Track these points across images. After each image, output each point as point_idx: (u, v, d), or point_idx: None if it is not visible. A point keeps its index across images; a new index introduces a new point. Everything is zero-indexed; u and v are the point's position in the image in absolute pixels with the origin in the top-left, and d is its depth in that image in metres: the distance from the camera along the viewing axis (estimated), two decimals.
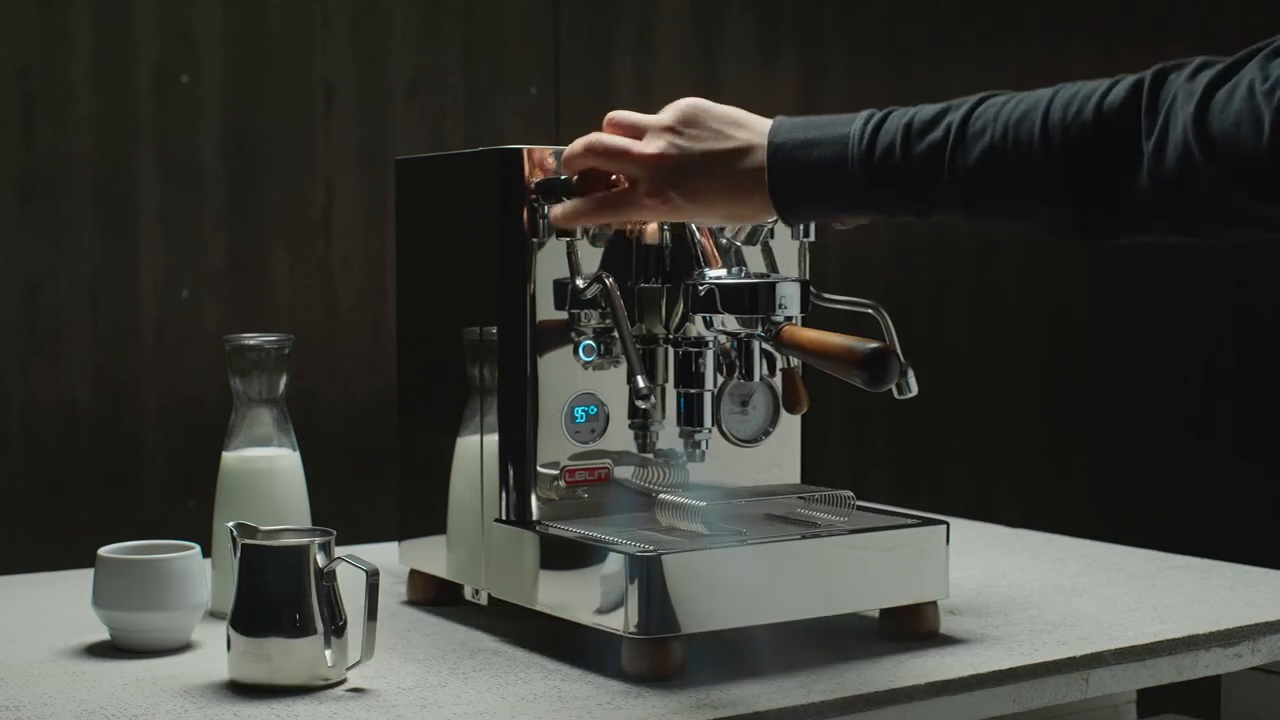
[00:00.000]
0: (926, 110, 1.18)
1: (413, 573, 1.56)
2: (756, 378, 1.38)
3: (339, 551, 1.29)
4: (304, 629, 1.25)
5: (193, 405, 1.92)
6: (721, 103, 1.27)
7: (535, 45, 2.14)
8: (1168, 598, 1.56)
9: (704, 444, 1.39)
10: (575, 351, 1.41)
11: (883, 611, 1.41)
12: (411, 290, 1.57)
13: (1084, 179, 1.11)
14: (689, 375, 1.37)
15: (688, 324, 1.40)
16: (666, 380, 1.40)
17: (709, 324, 1.36)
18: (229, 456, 1.52)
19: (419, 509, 1.55)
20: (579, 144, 1.31)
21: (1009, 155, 1.13)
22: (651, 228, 1.41)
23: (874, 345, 1.25)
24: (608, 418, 1.44)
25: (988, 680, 1.30)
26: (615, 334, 1.39)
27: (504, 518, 1.42)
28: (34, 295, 1.85)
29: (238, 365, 1.51)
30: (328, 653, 1.26)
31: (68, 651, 1.39)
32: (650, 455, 1.43)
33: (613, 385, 1.44)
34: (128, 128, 1.89)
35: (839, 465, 2.40)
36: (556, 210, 1.35)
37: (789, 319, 1.34)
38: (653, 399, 1.39)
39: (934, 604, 1.42)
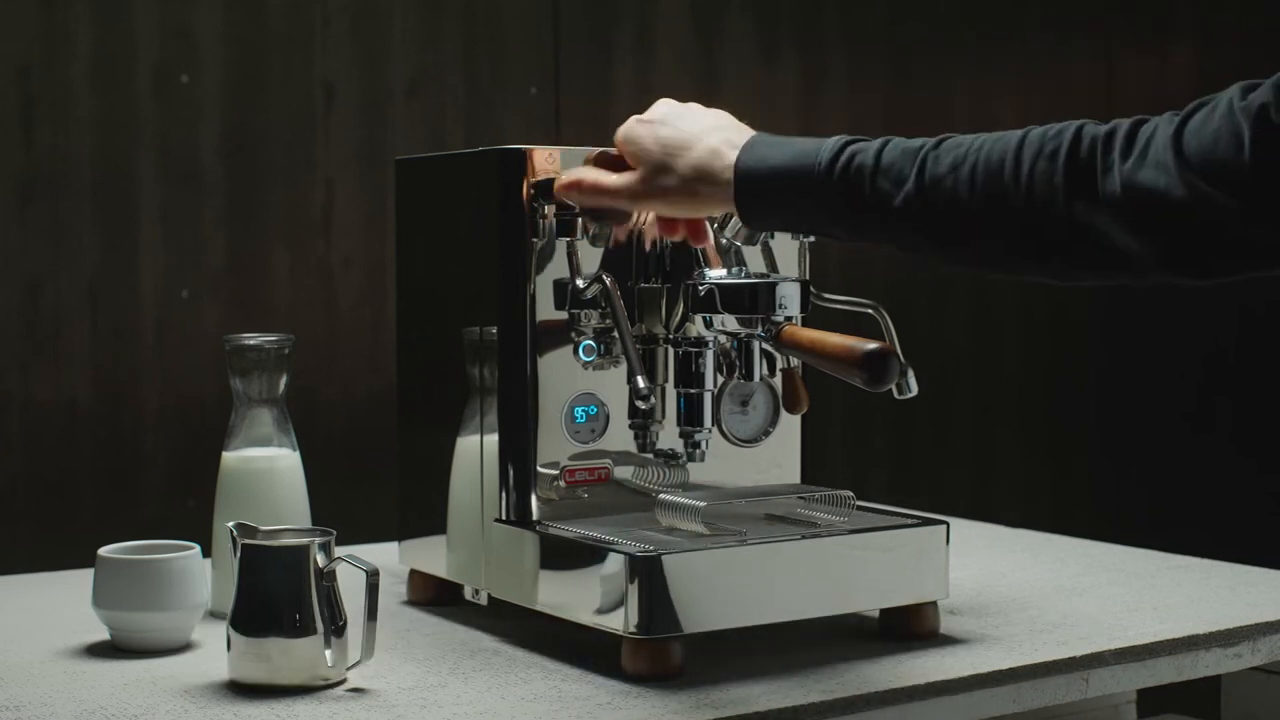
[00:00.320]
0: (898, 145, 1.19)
1: (413, 573, 1.56)
2: (756, 378, 1.38)
3: (339, 551, 1.29)
4: (304, 629, 1.25)
5: (193, 405, 1.92)
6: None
7: (535, 45, 2.14)
8: (1168, 598, 1.56)
9: (704, 444, 1.39)
10: (575, 351, 1.41)
11: (883, 611, 1.41)
12: (411, 290, 1.57)
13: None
14: (689, 375, 1.37)
15: (688, 324, 1.40)
16: (666, 380, 1.40)
17: (709, 324, 1.36)
18: (229, 456, 1.52)
19: (419, 509, 1.55)
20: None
21: (975, 192, 1.13)
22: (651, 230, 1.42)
23: (874, 345, 1.25)
24: (608, 418, 1.44)
25: (988, 680, 1.30)
26: (615, 334, 1.39)
27: (504, 518, 1.42)
28: (34, 295, 1.85)
29: (238, 365, 1.51)
30: (328, 653, 1.26)
31: (68, 651, 1.39)
32: (650, 455, 1.43)
33: (613, 385, 1.44)
34: (128, 128, 1.89)
35: (839, 465, 2.40)
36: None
37: (789, 319, 1.34)
38: (653, 399, 1.39)
39: (934, 604, 1.42)
